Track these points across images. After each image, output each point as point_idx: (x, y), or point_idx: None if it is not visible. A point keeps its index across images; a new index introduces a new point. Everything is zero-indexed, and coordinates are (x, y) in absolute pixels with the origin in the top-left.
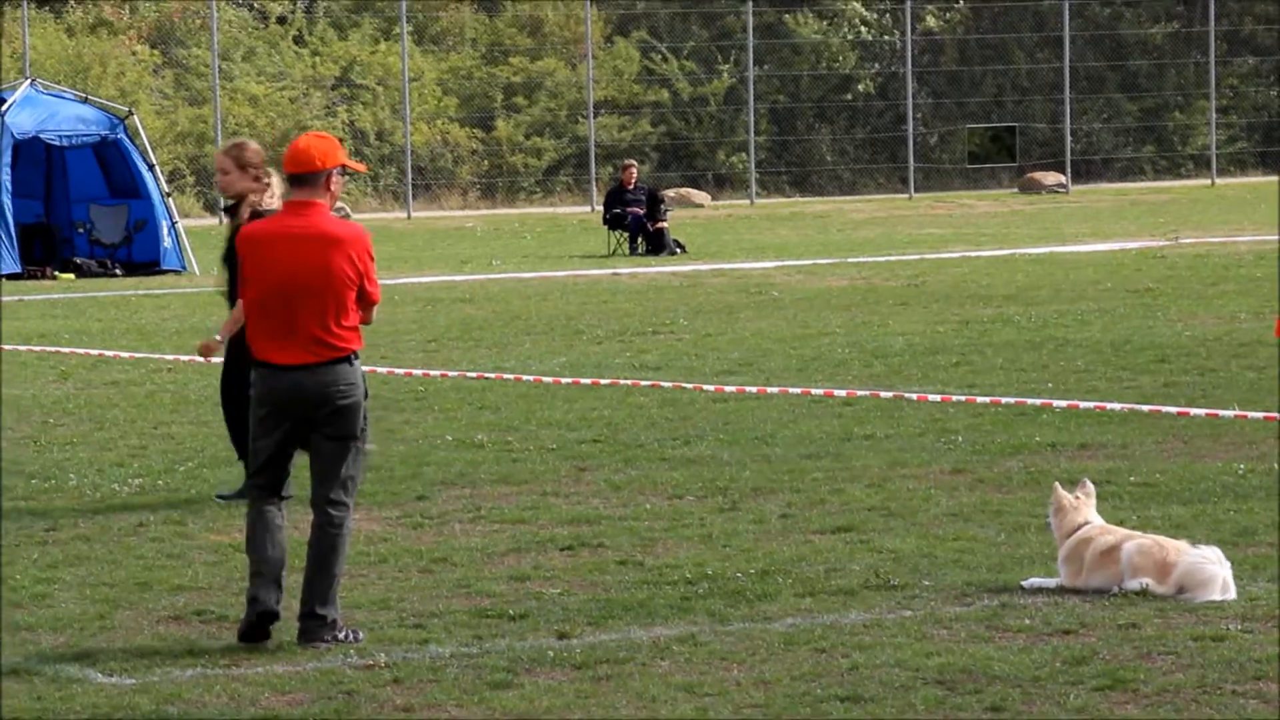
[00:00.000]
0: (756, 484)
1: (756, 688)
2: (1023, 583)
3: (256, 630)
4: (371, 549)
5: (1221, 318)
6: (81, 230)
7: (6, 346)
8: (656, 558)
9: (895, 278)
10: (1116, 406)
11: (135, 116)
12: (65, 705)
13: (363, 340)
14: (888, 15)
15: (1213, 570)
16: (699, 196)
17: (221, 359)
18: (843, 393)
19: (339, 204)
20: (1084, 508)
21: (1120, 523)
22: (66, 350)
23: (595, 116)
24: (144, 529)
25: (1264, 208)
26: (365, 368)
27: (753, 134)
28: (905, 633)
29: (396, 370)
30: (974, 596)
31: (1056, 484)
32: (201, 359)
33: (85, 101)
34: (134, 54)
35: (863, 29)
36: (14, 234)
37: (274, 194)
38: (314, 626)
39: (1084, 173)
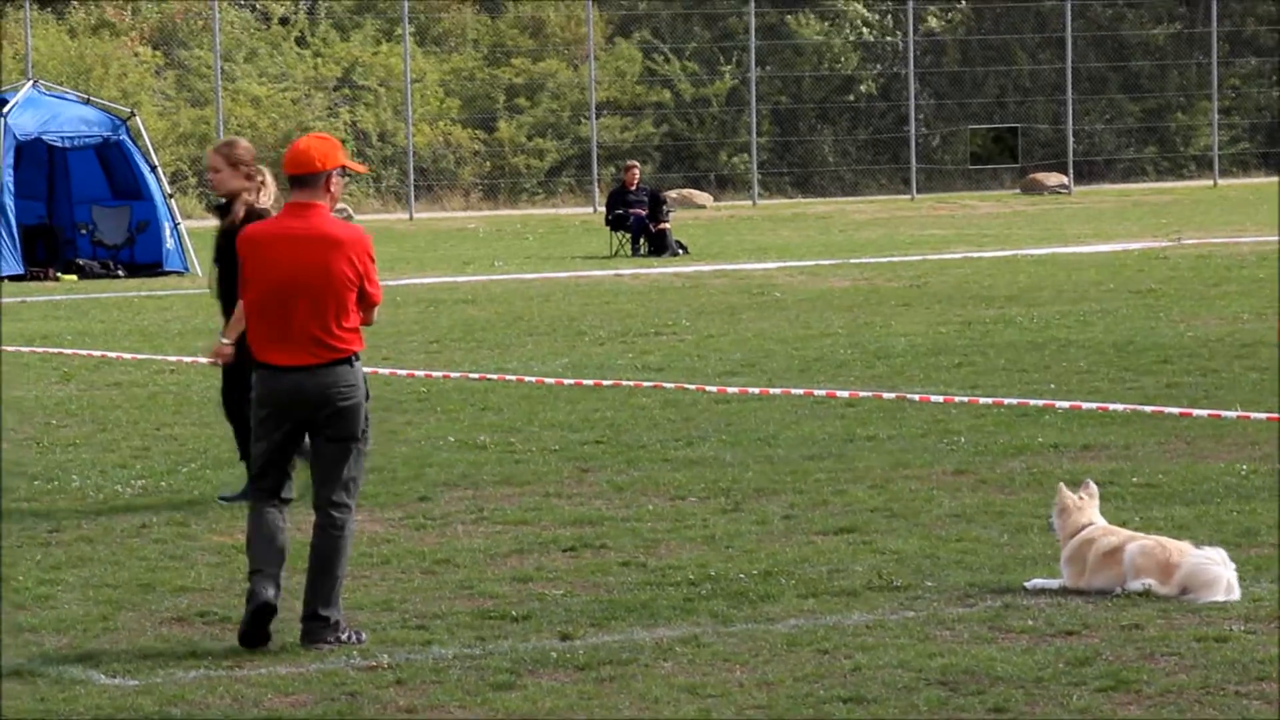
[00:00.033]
0: (759, 485)
1: (759, 689)
2: (1026, 584)
3: (257, 631)
4: (374, 550)
5: (1224, 318)
6: (84, 231)
7: (9, 348)
8: (659, 559)
9: (897, 279)
10: (1119, 407)
11: (137, 118)
12: (68, 706)
13: (364, 341)
14: (890, 16)
15: (1217, 571)
16: (701, 197)
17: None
18: (845, 394)
19: (341, 205)
20: (1087, 509)
21: (1123, 524)
22: (69, 351)
23: (597, 117)
24: (147, 530)
25: (1266, 208)
26: (367, 369)
27: (755, 135)
28: (908, 634)
29: (399, 371)
30: (977, 597)
31: (1061, 485)
32: (219, 363)
33: (87, 103)
34: (136, 55)
35: (865, 30)
36: (16, 235)
37: (269, 192)
38: (317, 628)
39: (1086, 173)
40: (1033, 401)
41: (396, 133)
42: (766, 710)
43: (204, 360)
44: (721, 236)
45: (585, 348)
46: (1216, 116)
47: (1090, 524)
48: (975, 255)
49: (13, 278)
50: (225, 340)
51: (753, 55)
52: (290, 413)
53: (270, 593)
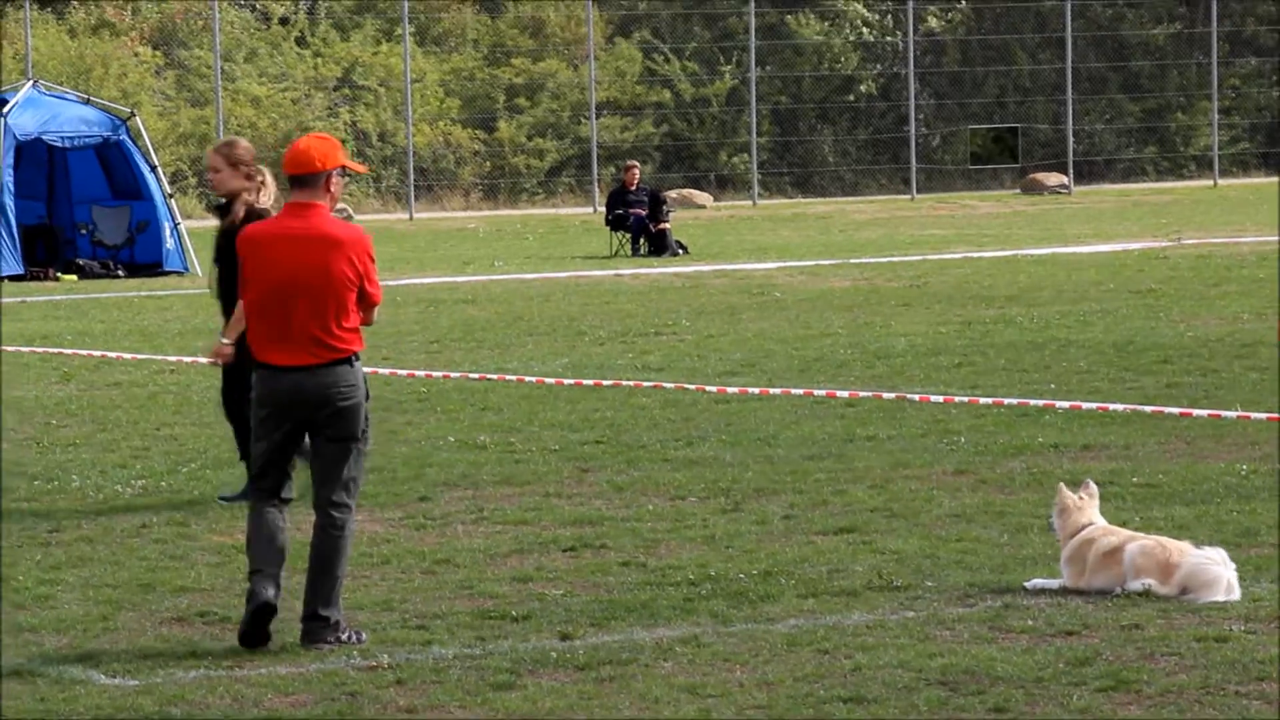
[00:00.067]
0: (759, 485)
1: (759, 689)
2: (1025, 584)
3: (257, 631)
4: (374, 550)
5: (1224, 318)
6: (84, 231)
7: (10, 348)
8: (659, 559)
9: (897, 279)
10: (1119, 407)
11: (137, 118)
12: (68, 707)
13: (364, 342)
14: (890, 16)
15: (1217, 571)
16: (701, 197)
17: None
18: (845, 394)
19: (341, 205)
20: (1088, 509)
21: (1123, 524)
22: (69, 352)
23: (597, 117)
24: (147, 530)
25: (1266, 208)
26: (367, 369)
27: (755, 135)
28: (908, 634)
29: (399, 371)
30: (977, 597)
31: (1061, 485)
32: (219, 363)
33: (87, 103)
34: (136, 55)
35: (865, 30)
36: (16, 235)
37: (269, 192)
38: (317, 628)
39: (1086, 173)
40: (1033, 401)
41: (396, 133)
42: (766, 710)
43: (204, 360)
44: (721, 236)
45: (585, 348)
46: (1216, 116)
47: (1090, 524)
48: (975, 255)
49: (13, 278)
50: (225, 340)
51: (753, 55)
52: (290, 413)
53: (270, 593)
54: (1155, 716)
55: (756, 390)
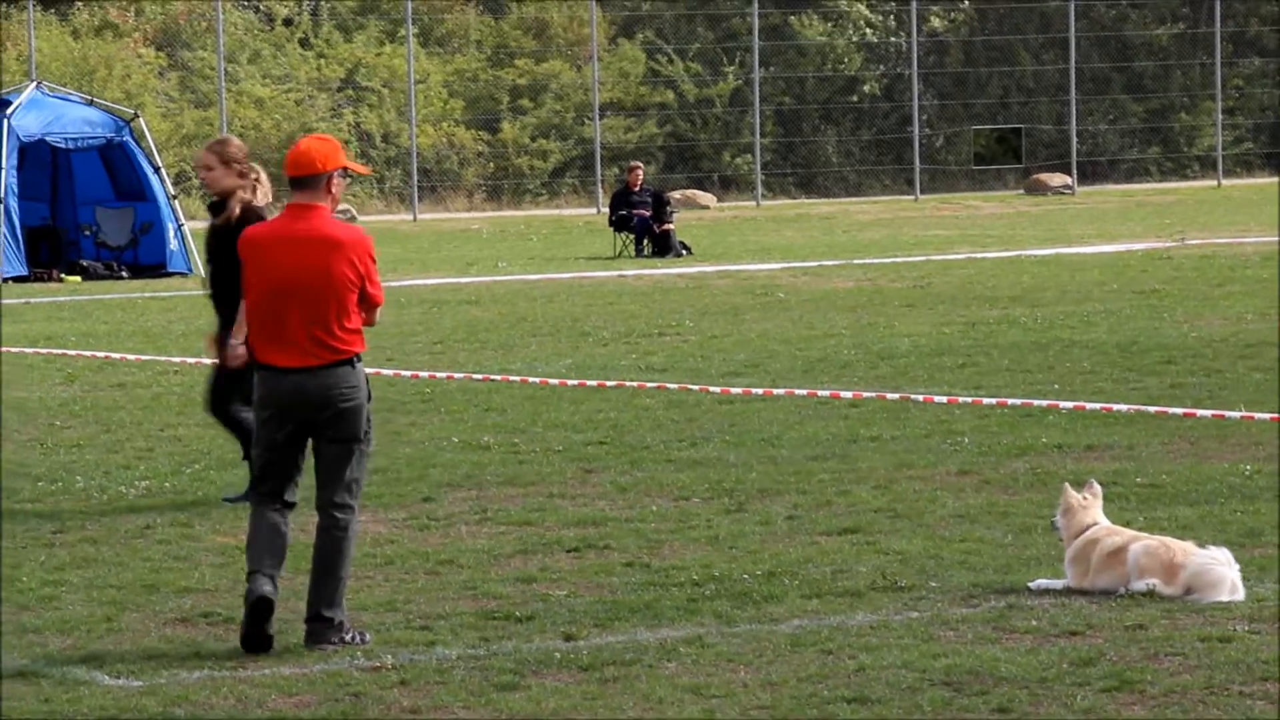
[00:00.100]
0: (763, 485)
1: (763, 689)
2: (1030, 584)
3: (257, 630)
4: (378, 551)
5: (1228, 319)
6: (88, 233)
7: (14, 349)
8: (663, 559)
9: (901, 279)
10: (1123, 408)
11: (141, 119)
12: (72, 707)
13: (365, 343)
14: (893, 17)
15: (1222, 571)
16: (705, 198)
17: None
18: (849, 394)
19: (345, 207)
20: (1092, 509)
21: (1127, 524)
22: (73, 353)
23: (601, 118)
24: (151, 531)
25: (1270, 209)
26: (371, 370)
27: (758, 136)
28: (912, 634)
29: (403, 372)
30: (981, 598)
31: (1066, 485)
32: (234, 365)
33: (91, 104)
34: (139, 56)
35: (868, 31)
36: (20, 236)
37: (264, 190)
38: (320, 629)
39: (1090, 174)
40: (1036, 402)
41: (400, 134)
42: (770, 711)
43: (210, 360)
44: (725, 237)
45: (589, 348)
46: (1220, 117)
47: (1094, 524)
48: (979, 256)
49: (16, 279)
50: (235, 342)
51: (756, 56)
52: (292, 414)
53: (267, 588)
54: (1159, 717)
55: (760, 391)
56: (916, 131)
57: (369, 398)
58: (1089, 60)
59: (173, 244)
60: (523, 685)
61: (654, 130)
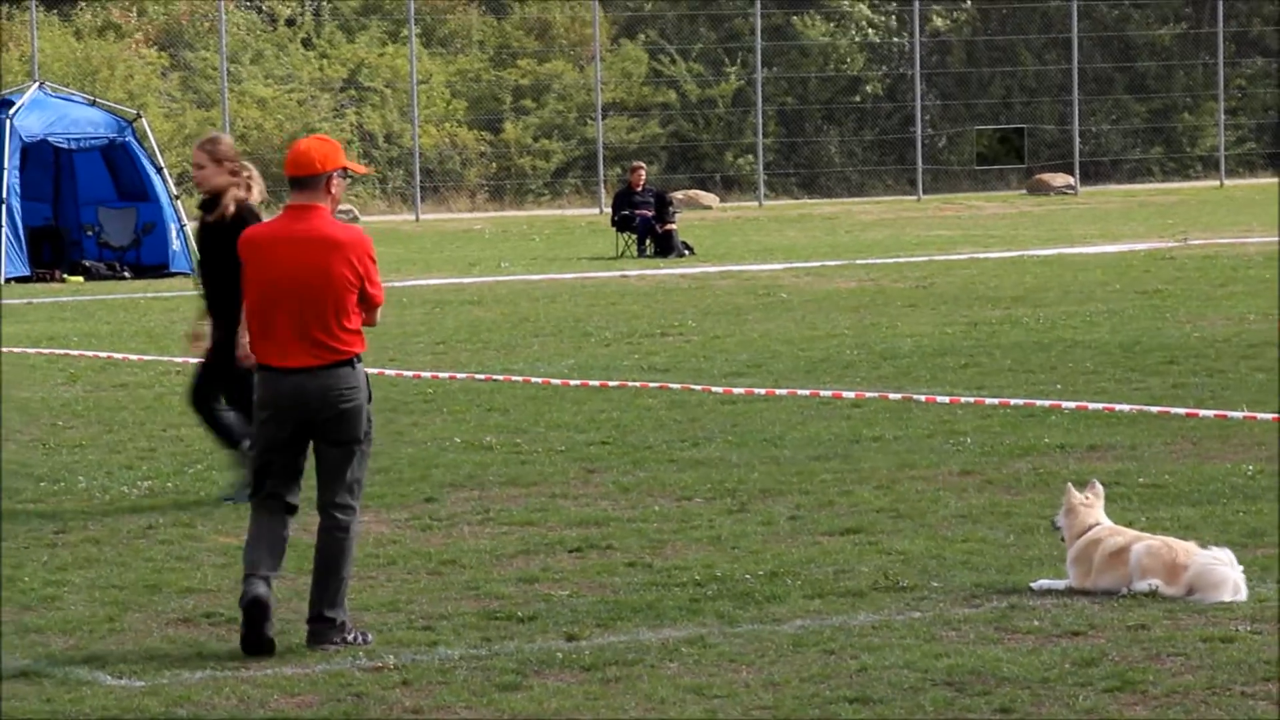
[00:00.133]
0: (765, 486)
1: (765, 689)
2: (1032, 584)
3: (255, 631)
4: (380, 551)
5: (1230, 319)
6: (90, 233)
7: (16, 349)
8: (665, 559)
9: (903, 279)
10: (1125, 408)
11: (143, 119)
12: (74, 707)
13: (365, 343)
14: (895, 17)
15: (1224, 572)
16: (707, 198)
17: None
18: (851, 394)
19: (346, 207)
20: (1094, 509)
21: (1129, 524)
22: (75, 353)
23: (603, 118)
24: (153, 531)
25: (1272, 209)
26: (373, 370)
27: (761, 136)
28: (914, 634)
29: (405, 373)
30: (983, 598)
31: (1069, 484)
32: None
33: (93, 104)
34: (142, 57)
35: (870, 31)
36: (23, 237)
37: (257, 188)
38: (322, 629)
39: (1092, 174)
40: (1039, 402)
41: (402, 134)
42: (773, 711)
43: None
44: (727, 237)
45: (591, 349)
46: (1223, 117)
47: (1097, 524)
48: (981, 256)
49: (19, 279)
50: (245, 341)
51: (759, 56)
52: (292, 415)
53: (261, 589)
54: (1161, 717)
55: (762, 391)
56: (919, 132)
57: (370, 398)
58: (1091, 60)
59: (175, 244)
60: (525, 685)
61: (656, 130)
